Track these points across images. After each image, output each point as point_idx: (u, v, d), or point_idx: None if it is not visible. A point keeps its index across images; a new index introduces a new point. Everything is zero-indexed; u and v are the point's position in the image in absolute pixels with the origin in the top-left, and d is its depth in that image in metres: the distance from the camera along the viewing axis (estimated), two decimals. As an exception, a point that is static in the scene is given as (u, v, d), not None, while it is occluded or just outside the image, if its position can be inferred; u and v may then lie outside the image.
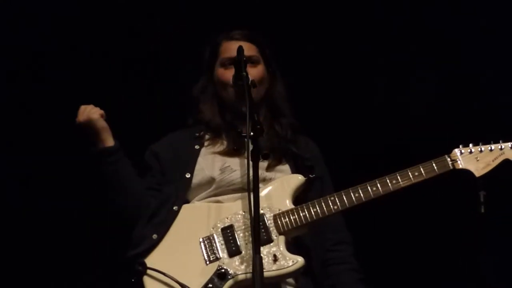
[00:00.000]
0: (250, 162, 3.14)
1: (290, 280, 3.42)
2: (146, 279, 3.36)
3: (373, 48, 4.70)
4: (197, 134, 3.69)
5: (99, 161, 3.53)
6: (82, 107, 3.55)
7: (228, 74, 3.58)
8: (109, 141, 3.54)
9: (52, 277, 4.75)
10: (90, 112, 3.53)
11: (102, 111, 3.56)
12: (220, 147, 3.64)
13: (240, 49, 3.39)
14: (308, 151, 3.68)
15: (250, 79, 3.34)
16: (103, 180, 3.52)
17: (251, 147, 3.17)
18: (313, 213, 3.38)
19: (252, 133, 3.15)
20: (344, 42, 4.72)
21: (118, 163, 3.53)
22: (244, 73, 3.32)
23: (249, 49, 3.62)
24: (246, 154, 3.20)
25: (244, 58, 3.38)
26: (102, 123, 3.53)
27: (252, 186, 3.12)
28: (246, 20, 4.06)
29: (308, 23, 4.75)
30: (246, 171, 3.29)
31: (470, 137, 3.41)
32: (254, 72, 3.59)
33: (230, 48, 3.62)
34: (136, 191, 3.54)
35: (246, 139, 3.18)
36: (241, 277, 3.29)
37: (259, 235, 3.06)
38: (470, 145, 3.40)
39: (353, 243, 3.68)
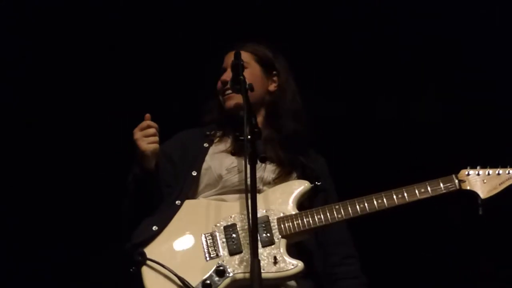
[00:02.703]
0: (248, 166, 3.14)
1: (292, 282, 3.42)
2: (144, 270, 3.35)
3: (382, 64, 4.74)
4: (208, 133, 3.73)
5: (134, 178, 3.49)
6: (144, 125, 3.46)
7: (218, 83, 3.71)
8: (150, 166, 3.46)
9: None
10: (144, 143, 3.43)
11: (157, 145, 3.45)
12: (229, 146, 3.67)
13: (237, 54, 3.39)
14: (317, 165, 3.70)
15: (247, 83, 3.34)
16: (130, 191, 3.51)
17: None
18: (316, 219, 3.39)
19: (249, 136, 3.16)
20: (353, 55, 4.76)
21: (148, 188, 3.49)
22: (242, 77, 3.33)
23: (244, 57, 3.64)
24: (244, 158, 3.18)
25: (242, 62, 3.39)
26: (148, 155, 3.43)
27: (250, 189, 3.11)
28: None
29: (318, 32, 4.80)
30: (250, 174, 3.34)
31: (478, 157, 3.44)
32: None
33: (224, 59, 3.75)
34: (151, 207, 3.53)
35: (244, 142, 3.17)
36: (239, 276, 3.29)
37: (257, 238, 3.09)
38: (478, 167, 3.42)
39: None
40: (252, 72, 3.70)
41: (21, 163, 4.87)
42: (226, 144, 3.68)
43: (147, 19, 4.85)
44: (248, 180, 3.13)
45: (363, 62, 4.79)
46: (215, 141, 3.70)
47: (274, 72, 3.78)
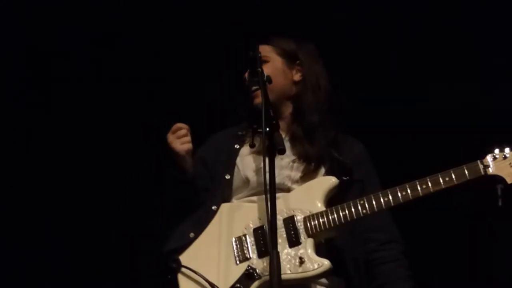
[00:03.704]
0: (267, 159, 3.17)
1: (323, 280, 3.44)
2: (180, 277, 3.46)
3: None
4: (240, 133, 3.75)
5: (172, 180, 3.61)
6: (176, 127, 3.57)
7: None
8: (186, 166, 3.57)
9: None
10: (178, 144, 3.54)
11: (190, 145, 3.56)
12: (257, 147, 3.62)
13: (254, 47, 3.38)
14: (351, 153, 3.65)
15: (265, 75, 3.35)
16: (168, 195, 3.66)
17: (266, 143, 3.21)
18: (341, 216, 3.38)
19: (268, 129, 3.19)
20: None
21: (186, 189, 3.60)
22: (260, 69, 3.33)
23: (261, 50, 3.53)
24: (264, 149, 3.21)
25: (260, 55, 3.37)
26: (183, 155, 3.54)
27: (269, 182, 3.14)
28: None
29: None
30: (279, 172, 3.40)
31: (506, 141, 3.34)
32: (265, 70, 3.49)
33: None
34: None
35: (262, 135, 3.20)
36: (267, 278, 3.29)
37: (276, 232, 3.08)
38: (506, 149, 3.32)
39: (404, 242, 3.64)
40: (273, 65, 3.69)
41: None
42: (257, 143, 3.64)
43: (157, 19, 4.92)
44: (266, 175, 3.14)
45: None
46: (246, 142, 3.71)
47: (298, 62, 3.73)
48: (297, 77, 3.73)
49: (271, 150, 3.20)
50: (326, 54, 3.82)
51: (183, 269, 3.48)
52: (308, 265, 3.32)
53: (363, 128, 4.04)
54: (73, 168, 4.98)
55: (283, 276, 3.22)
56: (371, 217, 3.44)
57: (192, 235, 3.54)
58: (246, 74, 3.45)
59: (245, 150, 3.70)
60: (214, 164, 3.70)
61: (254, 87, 3.48)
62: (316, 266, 3.32)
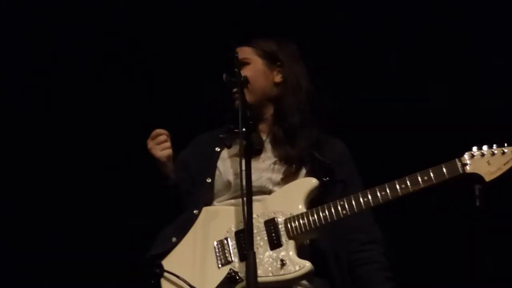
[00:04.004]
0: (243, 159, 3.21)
1: (305, 282, 3.44)
2: (163, 282, 3.48)
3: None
4: (222, 135, 3.72)
5: (156, 187, 3.63)
6: (155, 133, 3.58)
7: None
8: (167, 172, 3.57)
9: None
10: (158, 150, 3.54)
11: (170, 151, 3.56)
12: (237, 150, 3.59)
13: (231, 47, 3.40)
14: (333, 153, 3.65)
15: (243, 76, 3.39)
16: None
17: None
18: (322, 217, 3.39)
19: (244, 129, 3.21)
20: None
21: (169, 195, 3.60)
22: (237, 69, 3.35)
23: (242, 52, 3.64)
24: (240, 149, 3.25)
25: (237, 55, 3.39)
26: (163, 161, 3.55)
27: (246, 183, 3.17)
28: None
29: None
30: (261, 175, 3.43)
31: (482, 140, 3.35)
32: (244, 72, 3.54)
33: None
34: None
35: (239, 135, 3.23)
36: None
37: (252, 232, 3.11)
38: (484, 147, 3.32)
39: (384, 243, 3.65)
40: (254, 66, 3.69)
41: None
42: (236, 147, 3.62)
43: (145, 18, 4.91)
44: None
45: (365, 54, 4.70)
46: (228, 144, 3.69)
47: (278, 63, 3.73)
48: (278, 78, 3.73)
49: (248, 150, 3.22)
50: (325, 53, 3.83)
51: (166, 274, 3.49)
52: (289, 267, 3.34)
53: (351, 128, 4.06)
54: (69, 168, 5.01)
55: (265, 279, 3.29)
56: (353, 218, 3.44)
57: (174, 239, 3.55)
58: (224, 75, 3.45)
59: (226, 153, 3.70)
60: (195, 168, 3.70)
61: (234, 89, 3.50)
62: (297, 268, 3.33)
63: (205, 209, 3.59)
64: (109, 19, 4.91)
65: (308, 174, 3.58)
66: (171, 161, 3.58)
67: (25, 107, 4.98)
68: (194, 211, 3.59)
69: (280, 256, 3.36)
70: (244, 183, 3.17)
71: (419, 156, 3.92)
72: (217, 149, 3.72)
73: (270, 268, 3.34)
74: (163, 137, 3.56)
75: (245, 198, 3.13)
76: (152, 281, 3.51)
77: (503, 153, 3.28)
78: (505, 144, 3.30)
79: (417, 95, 4.74)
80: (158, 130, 3.58)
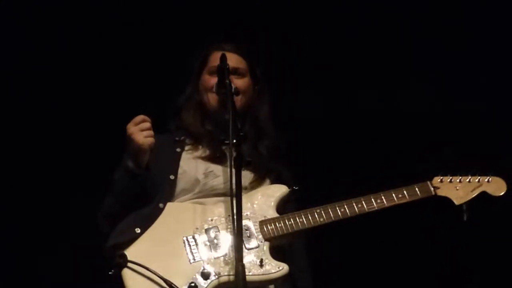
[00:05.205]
0: (233, 170, 3.16)
1: (271, 287, 3.43)
2: (125, 273, 3.27)
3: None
4: (177, 139, 3.69)
5: (122, 173, 3.43)
6: (139, 119, 3.41)
7: (212, 80, 3.62)
8: (145, 161, 3.42)
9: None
10: (141, 136, 3.38)
11: (153, 139, 3.41)
12: (202, 153, 3.66)
13: (223, 57, 3.42)
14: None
15: (233, 87, 3.39)
16: (119, 187, 3.44)
17: (233, 154, 3.19)
18: (299, 222, 3.42)
19: (234, 141, 3.17)
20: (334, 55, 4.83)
21: (140, 185, 3.43)
22: (228, 81, 3.36)
23: (237, 61, 3.73)
24: (229, 161, 3.22)
25: (228, 67, 3.42)
26: (145, 149, 3.39)
27: (235, 193, 3.13)
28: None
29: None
30: (229, 178, 3.33)
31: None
32: (239, 83, 3.65)
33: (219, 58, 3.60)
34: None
35: (229, 146, 3.19)
36: (225, 278, 3.26)
37: (242, 242, 3.12)
38: (448, 174, 3.55)
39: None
40: (247, 82, 3.74)
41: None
42: (199, 151, 3.66)
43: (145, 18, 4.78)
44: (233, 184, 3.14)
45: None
46: (186, 148, 3.66)
47: (256, 79, 3.80)
48: (255, 94, 3.79)
49: (239, 162, 3.18)
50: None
51: (129, 265, 3.28)
52: (268, 267, 3.31)
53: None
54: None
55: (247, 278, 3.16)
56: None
57: (138, 230, 3.37)
58: (214, 85, 3.51)
59: (187, 155, 3.66)
60: (156, 165, 3.54)
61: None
62: (277, 269, 3.31)
63: (170, 204, 3.48)
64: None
65: (273, 182, 3.61)
66: (150, 151, 3.42)
67: (25, 106, 4.73)
68: (160, 205, 3.46)
69: (258, 256, 3.33)
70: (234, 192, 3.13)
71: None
72: (178, 149, 3.66)
73: (250, 267, 3.27)
74: (147, 124, 3.42)
75: (235, 209, 3.09)
76: (111, 272, 3.25)
77: (469, 181, 3.53)
78: (469, 174, 3.54)
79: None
80: (142, 116, 3.43)
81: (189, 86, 3.81)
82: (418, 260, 4.71)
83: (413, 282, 4.71)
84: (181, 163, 3.60)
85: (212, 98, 3.64)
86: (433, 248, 4.68)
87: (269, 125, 3.76)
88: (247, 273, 3.17)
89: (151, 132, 3.41)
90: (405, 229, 4.61)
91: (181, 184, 3.54)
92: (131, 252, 3.30)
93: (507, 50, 4.67)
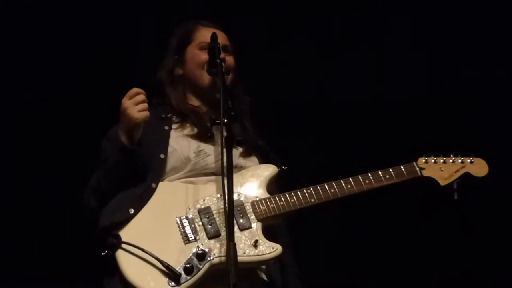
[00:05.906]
0: (224, 149, 3.14)
1: (263, 267, 3.44)
2: (119, 254, 3.24)
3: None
4: (164, 116, 3.63)
5: (114, 148, 3.36)
6: (133, 92, 3.33)
7: (204, 56, 3.55)
8: (138, 137, 3.37)
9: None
10: (135, 110, 3.31)
11: (147, 113, 3.33)
12: (190, 131, 3.61)
13: (214, 36, 3.37)
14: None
15: (224, 66, 3.35)
16: (110, 163, 3.36)
17: (225, 133, 3.18)
18: (290, 203, 3.43)
19: (226, 120, 3.15)
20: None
21: (128, 164, 3.36)
22: (219, 60, 3.32)
23: (225, 39, 3.70)
24: (220, 140, 3.18)
25: (219, 45, 3.37)
26: (139, 123, 3.33)
27: (226, 172, 3.11)
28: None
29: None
30: (220, 157, 3.31)
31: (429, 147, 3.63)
32: (230, 60, 3.63)
33: (209, 35, 3.52)
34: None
35: (220, 125, 3.16)
36: (219, 259, 3.25)
37: (233, 222, 3.06)
38: (431, 155, 3.61)
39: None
40: (233, 59, 3.70)
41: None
42: (187, 128, 3.61)
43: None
44: (224, 163, 3.13)
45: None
46: (173, 125, 3.61)
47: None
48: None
49: (230, 141, 3.15)
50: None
51: (124, 246, 3.24)
52: (262, 248, 3.31)
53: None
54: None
55: (240, 259, 3.15)
56: None
57: (132, 211, 3.33)
58: (206, 65, 3.48)
59: (176, 133, 3.60)
60: (146, 143, 3.47)
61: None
62: (271, 250, 3.32)
63: (162, 184, 3.44)
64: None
65: (260, 162, 3.61)
66: (143, 126, 3.36)
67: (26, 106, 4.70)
68: (152, 185, 3.41)
69: (252, 236, 3.33)
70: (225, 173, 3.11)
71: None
72: (166, 127, 3.59)
73: (244, 248, 3.27)
74: (141, 97, 3.35)
75: (226, 191, 3.05)
76: (105, 253, 3.21)
77: (453, 162, 3.60)
78: (451, 155, 3.61)
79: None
80: (136, 89, 3.35)
81: (168, 60, 3.74)
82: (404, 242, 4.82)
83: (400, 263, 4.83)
84: (171, 141, 3.53)
85: (205, 76, 3.57)
86: (417, 230, 4.79)
87: (247, 102, 3.75)
88: (242, 254, 3.24)
89: (145, 105, 3.34)
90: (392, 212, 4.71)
91: (171, 163, 3.48)
92: (124, 233, 3.27)
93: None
